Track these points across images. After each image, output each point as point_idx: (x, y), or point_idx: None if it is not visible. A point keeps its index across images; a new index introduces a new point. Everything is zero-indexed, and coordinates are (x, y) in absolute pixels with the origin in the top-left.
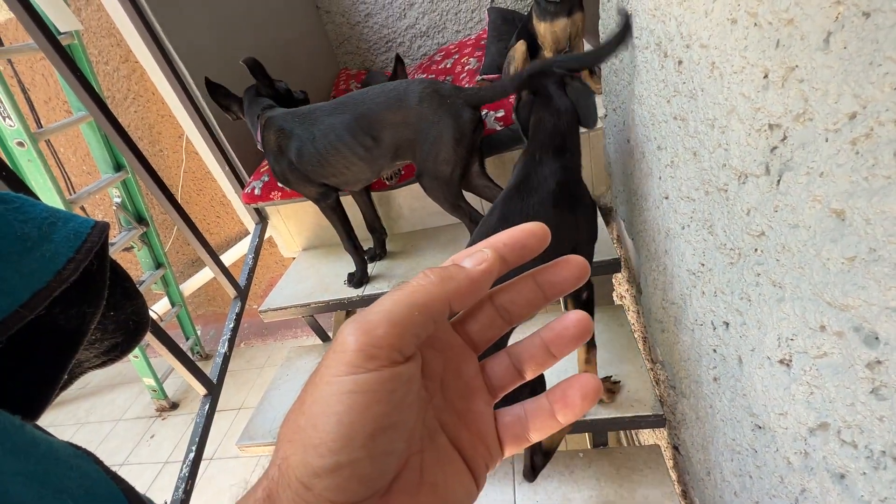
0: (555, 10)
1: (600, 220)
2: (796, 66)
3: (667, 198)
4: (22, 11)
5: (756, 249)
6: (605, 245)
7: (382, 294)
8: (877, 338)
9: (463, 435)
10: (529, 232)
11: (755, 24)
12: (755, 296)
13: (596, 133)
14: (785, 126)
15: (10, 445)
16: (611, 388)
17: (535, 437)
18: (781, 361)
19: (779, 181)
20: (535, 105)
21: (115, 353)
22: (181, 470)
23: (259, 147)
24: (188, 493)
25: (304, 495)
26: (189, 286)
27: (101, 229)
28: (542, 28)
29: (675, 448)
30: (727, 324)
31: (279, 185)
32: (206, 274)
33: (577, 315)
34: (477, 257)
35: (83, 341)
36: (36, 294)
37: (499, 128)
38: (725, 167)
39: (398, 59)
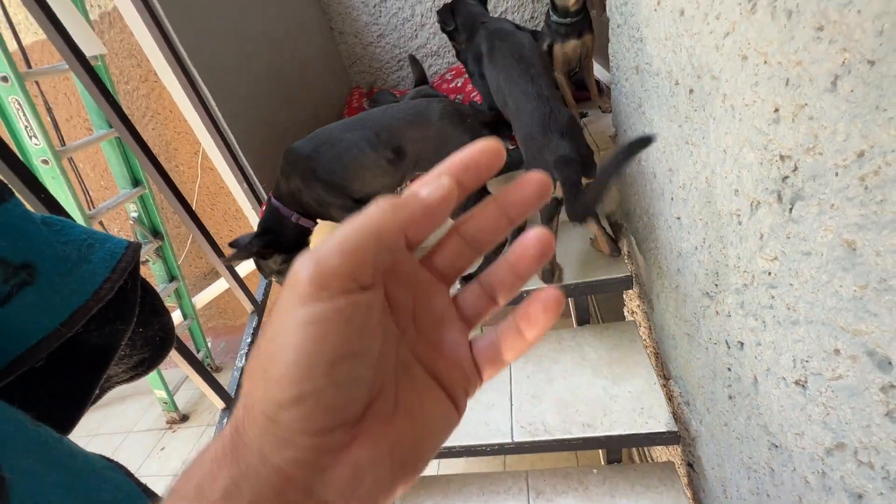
0: (566, 31)
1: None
2: (805, 104)
3: (679, 218)
4: (56, 35)
5: (769, 273)
6: (616, 262)
7: None
8: (890, 363)
9: (439, 364)
10: (482, 149)
11: (765, 62)
12: (769, 318)
13: (606, 151)
14: (796, 158)
15: (51, 459)
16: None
17: (509, 356)
18: (797, 382)
19: (791, 209)
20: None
21: (143, 368)
22: None
23: (294, 220)
24: None
25: (271, 428)
26: (201, 299)
27: (135, 249)
28: (554, 49)
29: (690, 465)
30: (742, 343)
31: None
32: (218, 287)
33: (537, 232)
34: (433, 185)
35: (114, 357)
36: (75, 312)
37: (509, 147)
38: (738, 193)
39: (413, 60)
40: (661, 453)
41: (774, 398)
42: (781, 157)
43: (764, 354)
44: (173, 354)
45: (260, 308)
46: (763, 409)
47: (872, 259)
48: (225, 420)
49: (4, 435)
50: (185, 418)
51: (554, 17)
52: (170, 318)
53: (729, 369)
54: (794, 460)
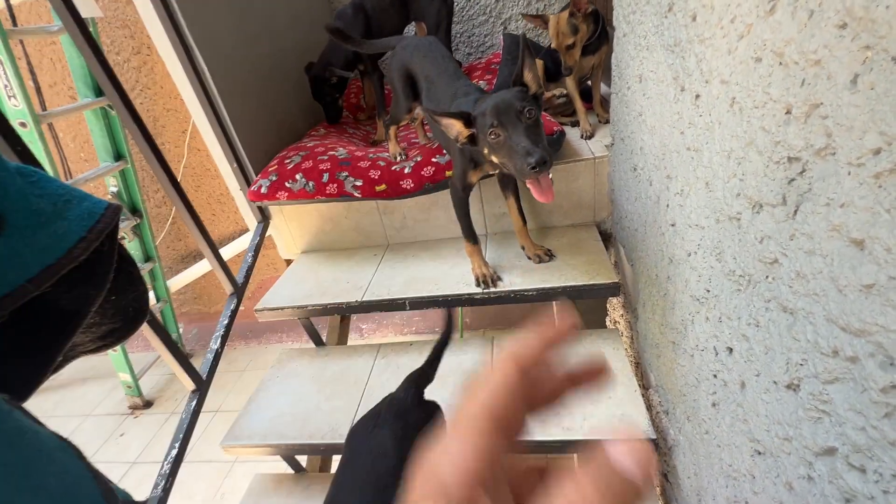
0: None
1: (600, 244)
2: (821, 103)
3: (673, 225)
4: None
5: (768, 276)
6: (604, 269)
7: (388, 301)
8: (893, 363)
9: None
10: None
11: (780, 63)
12: (764, 321)
13: (601, 160)
14: (805, 159)
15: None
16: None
17: None
18: (789, 386)
19: (796, 211)
20: None
21: (111, 339)
22: (161, 467)
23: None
24: (167, 491)
25: None
26: (176, 282)
27: (114, 211)
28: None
29: (664, 476)
30: (731, 349)
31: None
32: (196, 271)
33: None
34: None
35: (83, 323)
36: (44, 270)
37: None
38: (740, 196)
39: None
40: None
41: (762, 403)
42: (789, 160)
43: (755, 359)
44: (146, 330)
45: (240, 290)
46: (749, 414)
47: (882, 256)
48: (193, 403)
49: None
50: (148, 404)
51: None
52: (146, 289)
53: (715, 376)
54: (780, 466)
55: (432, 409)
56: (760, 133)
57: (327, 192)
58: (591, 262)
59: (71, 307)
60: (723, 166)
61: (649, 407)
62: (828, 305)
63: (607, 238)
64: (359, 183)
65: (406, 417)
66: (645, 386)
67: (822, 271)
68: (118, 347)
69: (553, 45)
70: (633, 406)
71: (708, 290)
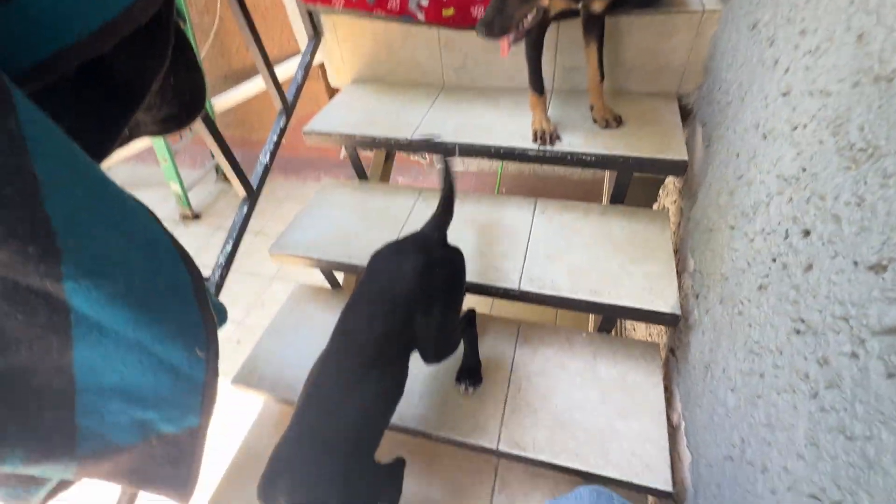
0: None
1: (677, 118)
2: None
3: (786, 94)
4: None
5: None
6: (675, 144)
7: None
8: None
9: None
10: None
11: None
12: (872, 199)
13: (710, 16)
14: None
15: (85, 177)
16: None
17: None
18: (872, 267)
19: None
20: None
21: (172, 123)
22: (217, 259)
23: None
24: (223, 277)
25: None
26: (220, 102)
27: None
28: None
29: (671, 351)
30: (808, 231)
31: None
32: (240, 93)
33: None
34: None
35: (144, 98)
36: (106, 25)
37: None
38: None
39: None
40: (643, 338)
41: (828, 284)
42: None
43: (840, 239)
44: (205, 135)
45: (289, 109)
46: (804, 296)
47: None
48: (245, 208)
49: (36, 136)
50: (197, 217)
51: None
52: (203, 76)
53: (774, 259)
54: (819, 343)
55: (454, 252)
56: None
57: (388, 7)
58: (662, 134)
59: (132, 79)
60: (894, 12)
61: (680, 288)
62: None
63: (685, 115)
64: (424, 2)
65: (431, 252)
66: (679, 271)
67: None
68: (167, 157)
69: None
70: (665, 282)
71: (804, 169)
